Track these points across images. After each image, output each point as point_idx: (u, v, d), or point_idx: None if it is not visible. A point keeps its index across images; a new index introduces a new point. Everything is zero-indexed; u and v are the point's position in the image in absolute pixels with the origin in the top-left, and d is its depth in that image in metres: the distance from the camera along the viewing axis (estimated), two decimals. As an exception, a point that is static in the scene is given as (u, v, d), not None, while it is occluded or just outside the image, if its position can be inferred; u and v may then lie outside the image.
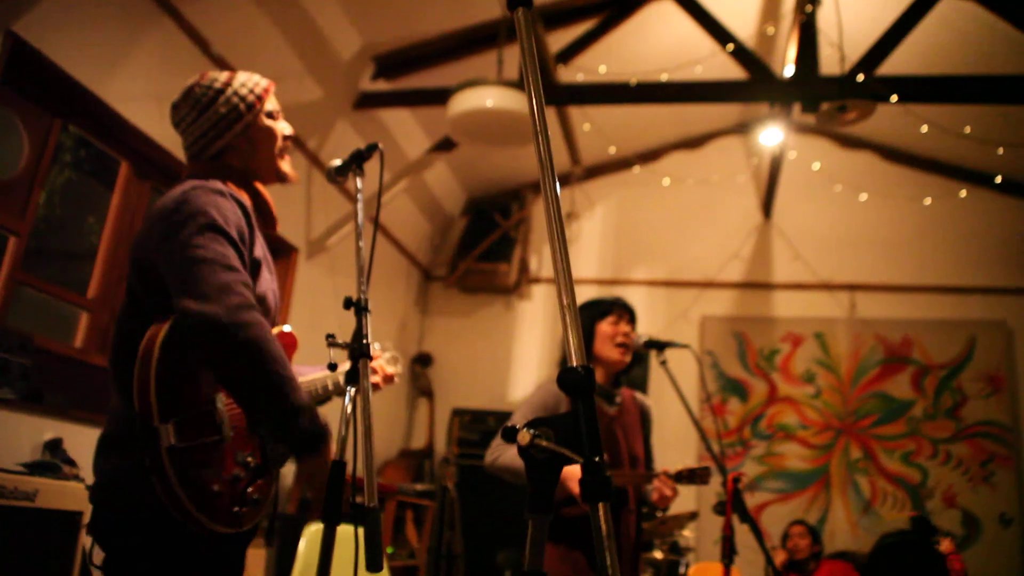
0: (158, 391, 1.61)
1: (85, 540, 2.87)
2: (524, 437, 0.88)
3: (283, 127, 2.07)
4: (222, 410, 1.72)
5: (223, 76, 1.98)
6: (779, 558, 5.42)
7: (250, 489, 1.75)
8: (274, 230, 2.05)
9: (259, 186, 2.00)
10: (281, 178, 2.08)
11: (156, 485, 1.57)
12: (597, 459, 0.84)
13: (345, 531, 1.93)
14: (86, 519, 2.84)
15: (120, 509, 1.67)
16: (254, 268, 1.85)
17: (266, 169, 2.03)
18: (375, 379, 2.11)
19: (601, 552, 0.84)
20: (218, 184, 1.83)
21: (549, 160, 1.00)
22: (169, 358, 1.65)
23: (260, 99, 2.00)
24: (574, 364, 0.90)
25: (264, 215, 2.01)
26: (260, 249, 1.90)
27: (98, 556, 1.69)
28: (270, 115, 2.03)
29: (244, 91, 1.97)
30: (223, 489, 1.68)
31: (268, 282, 1.92)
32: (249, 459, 1.78)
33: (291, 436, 1.64)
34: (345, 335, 1.93)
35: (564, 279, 0.94)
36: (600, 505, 0.84)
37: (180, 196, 1.76)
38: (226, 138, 1.94)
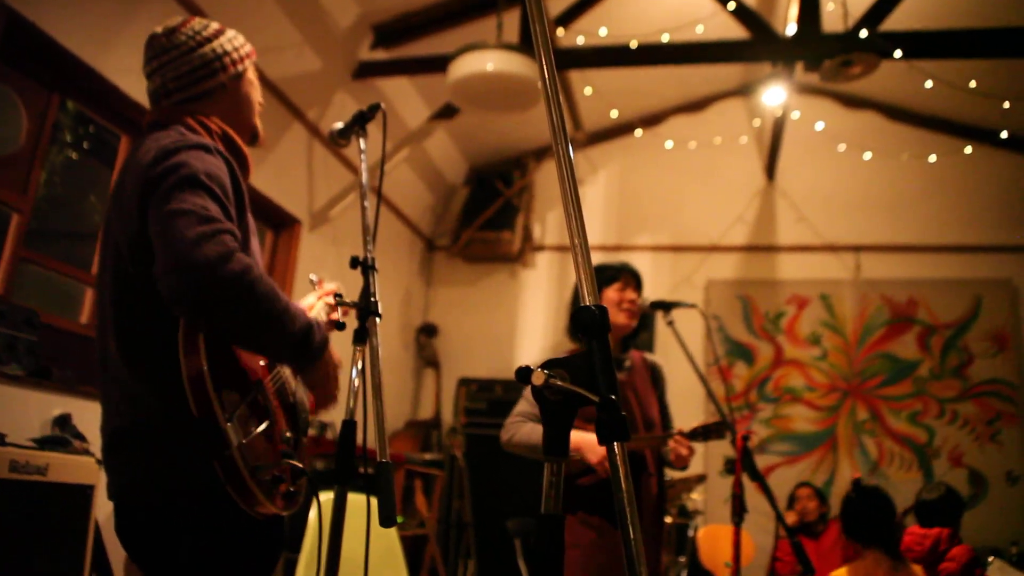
0: (216, 388, 1.54)
1: (98, 514, 2.89)
2: (539, 377, 0.87)
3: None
4: (266, 394, 1.70)
5: (215, 23, 1.92)
6: (789, 519, 5.43)
7: (296, 464, 1.73)
8: (247, 179, 1.92)
9: (233, 135, 1.89)
10: (255, 135, 1.99)
11: (227, 483, 1.52)
12: (613, 397, 0.83)
13: (354, 499, 1.92)
14: (97, 493, 2.86)
15: (178, 506, 1.60)
16: (243, 234, 1.74)
17: (244, 122, 1.95)
18: (336, 315, 2.04)
19: (619, 493, 0.83)
20: (204, 139, 1.72)
21: (556, 94, 0.98)
22: (214, 349, 1.58)
23: (250, 55, 1.95)
24: (587, 304, 0.88)
25: (242, 167, 1.89)
26: (248, 215, 1.82)
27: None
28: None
29: (240, 41, 1.93)
30: (281, 473, 1.66)
31: (256, 252, 1.85)
32: (288, 434, 1.77)
33: (307, 357, 1.68)
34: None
35: (575, 220, 0.93)
36: (616, 445, 0.83)
37: (158, 151, 1.64)
38: (219, 78, 1.86)
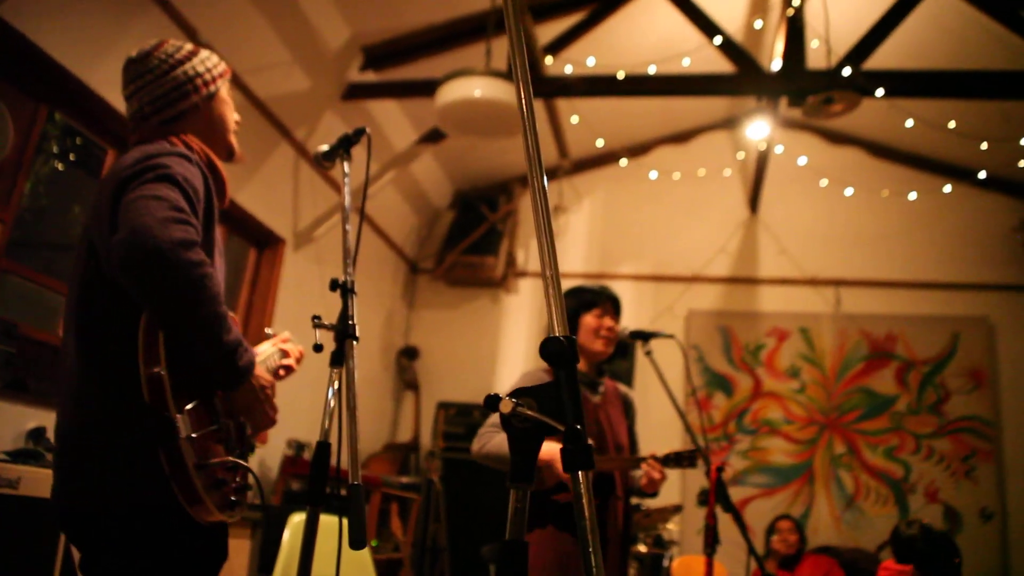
0: (172, 380, 1.56)
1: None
2: (506, 406, 0.89)
3: None
4: (219, 400, 1.71)
5: (188, 44, 1.98)
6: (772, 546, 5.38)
7: (238, 478, 1.74)
8: (224, 204, 1.97)
9: (213, 157, 1.93)
10: (231, 153, 2.05)
11: (171, 476, 1.52)
12: (579, 427, 0.85)
13: (326, 520, 1.92)
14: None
15: (121, 505, 1.59)
16: (208, 249, 1.76)
17: (220, 141, 2.00)
18: (289, 361, 2.08)
19: (582, 521, 0.84)
20: (183, 149, 1.78)
21: (532, 125, 0.99)
22: (173, 349, 1.60)
23: (223, 75, 2.01)
24: (556, 334, 0.90)
25: (219, 188, 1.93)
26: (216, 232, 1.85)
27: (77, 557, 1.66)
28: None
29: (212, 61, 1.99)
30: (225, 477, 1.67)
31: (220, 269, 1.87)
32: (235, 446, 1.78)
33: (231, 373, 1.67)
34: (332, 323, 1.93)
35: (548, 251, 0.94)
36: (580, 473, 0.84)
37: (140, 155, 1.69)
38: (192, 99, 1.92)
